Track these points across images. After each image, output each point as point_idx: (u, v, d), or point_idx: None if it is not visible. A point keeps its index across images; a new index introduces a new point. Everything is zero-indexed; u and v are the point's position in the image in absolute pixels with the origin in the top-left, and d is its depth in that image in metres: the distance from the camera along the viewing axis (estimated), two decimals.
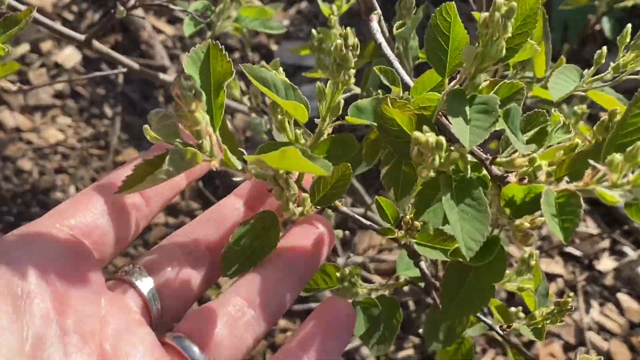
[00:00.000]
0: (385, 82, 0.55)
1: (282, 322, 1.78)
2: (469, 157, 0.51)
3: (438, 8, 0.52)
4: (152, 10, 2.22)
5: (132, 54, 2.14)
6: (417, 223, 0.62)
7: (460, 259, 0.49)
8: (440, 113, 0.50)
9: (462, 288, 0.52)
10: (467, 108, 0.48)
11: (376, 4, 0.70)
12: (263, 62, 1.09)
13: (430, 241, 0.65)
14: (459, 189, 0.46)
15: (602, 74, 0.71)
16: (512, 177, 0.48)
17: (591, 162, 0.43)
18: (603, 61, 0.69)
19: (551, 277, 1.91)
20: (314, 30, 0.97)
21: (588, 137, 0.49)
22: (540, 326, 0.69)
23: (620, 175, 0.42)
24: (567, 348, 1.79)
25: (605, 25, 2.15)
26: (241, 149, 0.57)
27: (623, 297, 1.88)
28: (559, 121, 0.51)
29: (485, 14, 0.46)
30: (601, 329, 1.83)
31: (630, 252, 1.92)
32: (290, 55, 2.10)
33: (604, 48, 0.69)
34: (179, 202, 1.90)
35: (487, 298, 0.51)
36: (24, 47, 2.15)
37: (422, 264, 0.74)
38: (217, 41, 0.54)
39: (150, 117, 0.52)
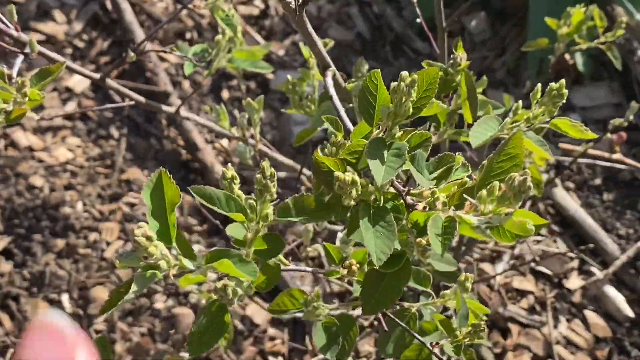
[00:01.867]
0: (331, 128, 0.71)
1: (271, 331, 1.93)
2: (391, 189, 0.67)
3: (369, 73, 0.68)
4: (157, 40, 2.39)
5: (138, 80, 2.31)
6: (354, 268, 0.78)
7: (377, 268, 0.64)
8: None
9: (378, 290, 0.67)
10: (385, 152, 0.63)
11: (330, 62, 0.85)
12: (249, 99, 1.25)
13: None
14: (375, 214, 0.62)
15: (518, 123, 0.85)
16: (419, 206, 0.63)
17: (465, 196, 0.58)
18: (519, 112, 0.84)
19: (522, 293, 2.05)
20: (289, 76, 1.12)
21: (474, 177, 0.64)
22: (460, 344, 0.84)
23: (485, 206, 0.57)
24: None
25: (579, 60, 2.31)
26: (195, 253, 0.73)
27: (589, 314, 2.01)
28: (460, 162, 0.66)
29: (395, 84, 0.61)
30: (568, 343, 1.96)
31: (597, 272, 2.06)
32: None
33: (520, 102, 0.83)
34: (179, 217, 2.06)
35: (396, 297, 0.66)
36: None
37: None
38: (166, 170, 0.70)
39: (117, 257, 0.68)
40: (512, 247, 2.11)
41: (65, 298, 1.92)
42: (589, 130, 0.85)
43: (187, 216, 2.07)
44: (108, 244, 2.02)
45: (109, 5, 2.42)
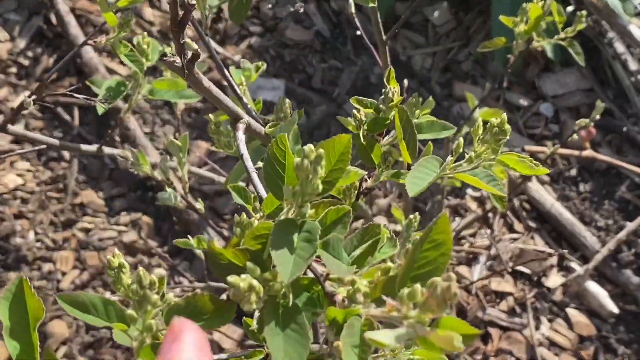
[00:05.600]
0: (239, 200, 0.61)
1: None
2: (308, 272, 0.57)
3: (274, 138, 0.58)
4: (105, 51, 2.28)
5: (87, 94, 2.19)
6: None
7: None
8: None
9: None
10: (295, 236, 0.53)
11: (243, 113, 0.75)
12: (171, 138, 1.14)
13: None
14: (285, 316, 0.52)
15: (461, 162, 0.76)
16: (339, 297, 0.54)
17: (384, 297, 0.48)
18: (461, 150, 0.74)
19: (501, 295, 1.97)
20: (211, 115, 1.02)
21: (399, 261, 0.55)
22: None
23: (409, 308, 0.48)
24: None
25: (547, 46, 2.21)
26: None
27: (572, 312, 1.94)
28: (386, 236, 0.57)
29: (298, 160, 0.51)
30: (552, 344, 1.90)
31: (578, 268, 1.98)
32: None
33: (461, 140, 0.74)
34: (137, 240, 1.96)
35: None
36: None
37: None
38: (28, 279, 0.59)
39: None
40: (489, 248, 2.02)
41: None
42: (540, 165, 0.75)
43: (146, 238, 1.97)
44: (64, 274, 1.91)
45: (53, 19, 2.30)
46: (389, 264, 0.54)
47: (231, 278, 0.49)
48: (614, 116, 2.21)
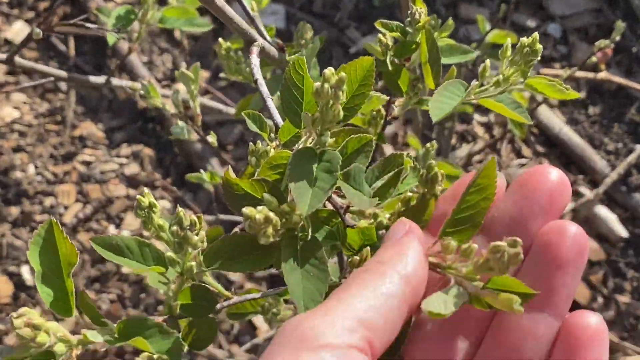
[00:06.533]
0: (254, 127, 0.57)
1: (249, 285, 1.82)
2: (327, 204, 0.54)
3: (292, 62, 0.53)
4: None
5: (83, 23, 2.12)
6: None
7: None
8: None
9: None
10: (315, 166, 0.50)
11: (257, 36, 0.70)
12: (182, 69, 1.08)
13: None
14: (304, 250, 0.49)
15: (487, 86, 0.71)
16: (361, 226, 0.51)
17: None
18: (487, 74, 0.70)
19: None
20: (220, 40, 0.96)
21: (416, 190, 0.51)
22: None
23: (454, 259, 0.45)
24: None
25: None
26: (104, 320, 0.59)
27: None
28: (409, 166, 0.53)
29: (318, 84, 0.47)
30: None
31: (587, 193, 1.95)
32: None
33: (487, 62, 0.69)
34: (139, 172, 1.92)
35: None
36: None
37: None
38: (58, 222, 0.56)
39: None
40: None
41: (25, 270, 1.80)
42: (570, 89, 0.71)
43: (148, 170, 1.93)
44: (66, 207, 1.88)
45: None
46: (409, 194, 0.51)
47: (246, 209, 0.45)
48: (624, 36, 2.14)
